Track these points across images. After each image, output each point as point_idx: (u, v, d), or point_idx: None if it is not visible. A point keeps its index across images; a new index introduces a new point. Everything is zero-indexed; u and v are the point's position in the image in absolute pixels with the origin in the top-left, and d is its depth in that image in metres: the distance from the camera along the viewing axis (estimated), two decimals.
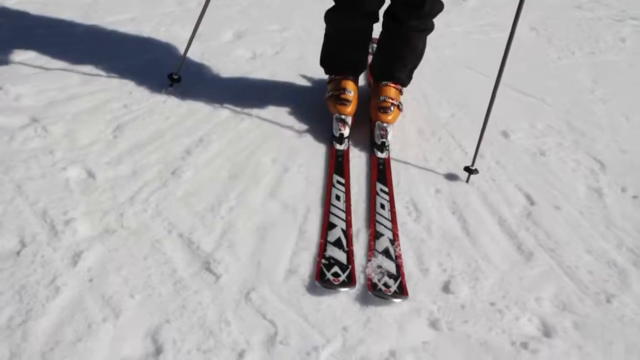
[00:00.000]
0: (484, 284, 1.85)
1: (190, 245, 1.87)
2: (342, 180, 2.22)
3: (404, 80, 2.60)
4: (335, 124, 2.45)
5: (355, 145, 2.47)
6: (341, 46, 2.55)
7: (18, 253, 1.76)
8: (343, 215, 2.06)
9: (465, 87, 3.02)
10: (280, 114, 2.62)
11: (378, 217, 2.06)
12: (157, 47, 3.09)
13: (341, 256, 1.89)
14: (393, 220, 2.06)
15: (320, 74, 2.73)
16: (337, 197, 2.13)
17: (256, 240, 1.92)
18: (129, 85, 2.68)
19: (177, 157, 2.26)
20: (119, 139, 2.32)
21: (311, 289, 1.77)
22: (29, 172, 2.09)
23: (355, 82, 2.60)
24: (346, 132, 2.44)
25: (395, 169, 2.34)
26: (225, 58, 3.04)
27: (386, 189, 2.20)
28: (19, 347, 1.51)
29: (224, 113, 2.57)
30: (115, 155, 2.23)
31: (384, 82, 2.56)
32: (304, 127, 2.54)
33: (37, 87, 2.57)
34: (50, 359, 1.49)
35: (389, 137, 2.43)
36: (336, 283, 1.78)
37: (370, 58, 2.82)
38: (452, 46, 3.47)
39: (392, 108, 2.48)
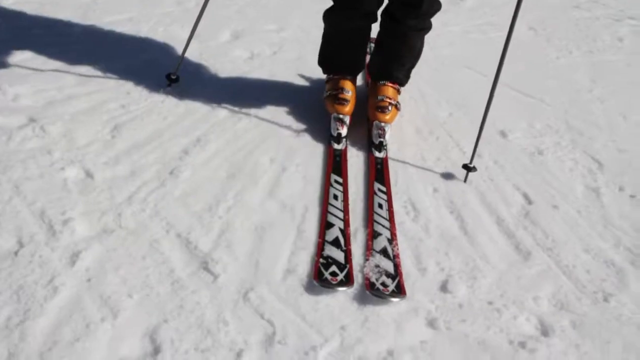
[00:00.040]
0: (481, 283, 1.85)
1: (188, 245, 1.87)
2: (340, 180, 2.23)
3: (401, 79, 2.60)
4: (333, 124, 2.45)
5: (353, 144, 2.47)
6: (339, 46, 2.55)
7: (16, 253, 1.76)
8: (341, 215, 2.06)
9: (463, 87, 3.02)
10: (278, 113, 2.62)
11: (376, 217, 2.06)
12: (155, 47, 3.09)
13: (339, 255, 1.89)
14: (391, 219, 2.06)
15: (318, 73, 2.73)
16: (335, 197, 2.13)
17: (254, 240, 1.92)
18: (126, 85, 2.68)
19: (175, 157, 2.26)
20: (117, 139, 2.32)
21: (309, 288, 1.77)
22: (27, 172, 2.09)
23: (353, 81, 2.60)
24: (344, 131, 2.44)
25: (393, 168, 2.34)
26: (223, 58, 3.04)
27: (384, 189, 2.20)
28: (17, 347, 1.51)
29: (221, 113, 2.57)
30: (113, 155, 2.23)
31: (381, 82, 2.56)
32: (302, 126, 2.54)
33: (35, 87, 2.57)
34: (48, 359, 1.49)
35: (387, 136, 2.43)
36: (334, 282, 1.78)
37: (368, 58, 2.83)
38: (450, 45, 3.48)
39: (390, 107, 2.49)
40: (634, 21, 4.04)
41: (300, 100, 2.73)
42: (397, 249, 1.94)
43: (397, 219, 2.08)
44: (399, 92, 2.59)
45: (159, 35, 3.19)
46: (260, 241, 1.92)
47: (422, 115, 2.74)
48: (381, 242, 1.96)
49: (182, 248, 1.86)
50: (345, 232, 1.99)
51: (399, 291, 1.78)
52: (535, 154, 2.52)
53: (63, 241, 1.82)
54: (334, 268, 1.83)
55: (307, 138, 2.48)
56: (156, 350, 1.54)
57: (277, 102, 2.69)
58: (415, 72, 2.65)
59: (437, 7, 2.39)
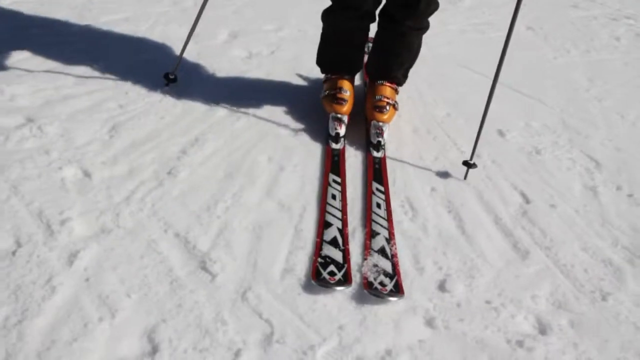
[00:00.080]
0: (479, 282, 1.85)
1: (187, 245, 1.87)
2: (338, 179, 2.23)
3: (399, 79, 2.60)
4: (331, 123, 2.45)
5: (351, 144, 2.47)
6: (337, 46, 2.55)
7: (14, 253, 1.76)
8: (339, 214, 2.06)
9: (460, 86, 3.03)
10: (276, 113, 2.62)
11: (374, 216, 2.06)
12: (152, 47, 3.09)
13: (337, 255, 1.89)
14: (389, 219, 2.06)
15: (316, 73, 2.74)
16: (333, 196, 2.13)
17: (252, 240, 1.92)
18: (124, 85, 2.68)
19: (172, 156, 2.26)
20: (115, 139, 2.32)
21: (307, 288, 1.77)
22: (25, 172, 2.08)
23: (351, 81, 2.60)
24: (342, 131, 2.44)
25: (391, 168, 2.34)
26: (220, 58, 3.04)
27: (382, 188, 2.20)
28: (15, 347, 1.50)
29: (219, 112, 2.57)
30: (111, 155, 2.23)
31: (379, 81, 2.56)
32: (300, 126, 2.54)
33: (32, 87, 2.57)
34: (46, 358, 1.49)
35: (385, 136, 2.43)
36: (332, 282, 1.78)
37: (366, 57, 2.83)
38: (447, 45, 3.48)
39: (387, 107, 2.49)
40: (631, 20, 4.06)
41: (298, 100, 2.73)
42: (395, 248, 1.95)
43: (395, 218, 2.08)
44: (396, 91, 2.59)
45: (156, 35, 3.19)
46: (259, 241, 1.92)
47: (419, 115, 2.74)
48: (379, 242, 1.96)
49: (180, 247, 1.86)
50: (343, 231, 1.99)
51: (397, 290, 1.78)
52: (532, 153, 2.53)
53: (61, 241, 1.81)
54: (332, 267, 1.83)
55: (305, 137, 2.48)
56: (154, 350, 1.54)
57: (275, 101, 2.69)
58: (413, 72, 2.65)
59: (434, 6, 2.39)
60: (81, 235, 1.85)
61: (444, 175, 2.33)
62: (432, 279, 1.85)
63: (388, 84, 2.55)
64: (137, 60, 2.90)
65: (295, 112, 2.64)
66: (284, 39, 3.33)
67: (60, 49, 2.89)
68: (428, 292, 1.80)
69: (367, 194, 2.18)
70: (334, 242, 1.94)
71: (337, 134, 2.43)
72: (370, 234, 1.99)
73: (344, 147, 2.43)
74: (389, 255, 1.91)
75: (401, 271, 1.86)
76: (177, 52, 2.73)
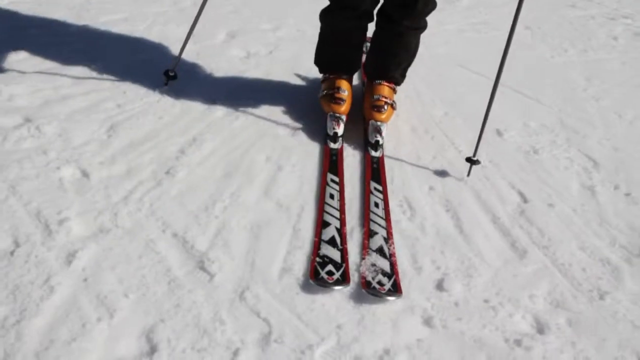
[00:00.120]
0: (477, 281, 1.86)
1: (185, 245, 1.87)
2: (336, 179, 2.23)
3: (397, 79, 2.60)
4: (329, 123, 2.45)
5: (349, 143, 2.48)
6: (336, 45, 2.55)
7: (12, 253, 1.76)
8: (337, 214, 2.06)
9: (458, 86, 3.03)
10: (274, 112, 2.62)
11: (372, 216, 2.06)
12: (151, 46, 3.09)
13: (335, 254, 1.89)
14: (387, 218, 2.06)
15: (314, 73, 2.74)
16: (331, 196, 2.13)
17: (250, 239, 1.92)
18: (122, 85, 2.68)
19: (171, 156, 2.26)
20: (113, 139, 2.32)
21: (305, 287, 1.77)
22: (23, 172, 2.08)
23: (350, 81, 2.60)
24: (340, 130, 2.45)
25: (389, 167, 2.34)
26: (219, 57, 3.04)
27: (380, 188, 2.21)
28: (13, 347, 1.50)
29: (217, 112, 2.57)
30: (109, 154, 2.23)
31: (377, 81, 2.56)
32: (298, 125, 2.55)
33: (30, 87, 2.57)
34: (44, 358, 1.49)
35: (383, 135, 2.44)
36: (330, 281, 1.78)
37: (364, 57, 2.83)
38: (445, 44, 3.48)
39: (385, 107, 2.49)
40: (628, 20, 4.06)
41: (297, 100, 2.73)
42: (393, 247, 1.95)
43: (393, 217, 2.08)
44: (394, 91, 2.59)
45: (154, 35, 3.19)
46: (257, 240, 1.92)
47: (417, 114, 2.74)
48: (377, 241, 1.96)
49: (179, 247, 1.86)
50: (341, 231, 1.99)
51: (395, 290, 1.78)
52: (530, 152, 2.53)
53: (59, 241, 1.81)
54: (330, 267, 1.83)
55: (303, 137, 2.48)
56: (153, 350, 1.54)
57: (273, 101, 2.69)
58: (411, 71, 2.65)
59: (432, 6, 2.39)
60: (79, 235, 1.85)
61: (442, 174, 2.33)
62: (430, 278, 1.85)
63: (386, 84, 2.56)
64: (135, 60, 2.90)
65: (294, 111, 2.64)
66: (282, 39, 3.33)
67: (58, 49, 2.89)
68: (426, 292, 1.80)
69: (365, 194, 2.18)
70: (332, 242, 1.94)
71: (335, 133, 2.43)
72: (369, 234, 1.99)
73: (342, 146, 2.44)
74: (387, 254, 1.91)
75: (399, 270, 1.86)
76: (175, 52, 2.73)
